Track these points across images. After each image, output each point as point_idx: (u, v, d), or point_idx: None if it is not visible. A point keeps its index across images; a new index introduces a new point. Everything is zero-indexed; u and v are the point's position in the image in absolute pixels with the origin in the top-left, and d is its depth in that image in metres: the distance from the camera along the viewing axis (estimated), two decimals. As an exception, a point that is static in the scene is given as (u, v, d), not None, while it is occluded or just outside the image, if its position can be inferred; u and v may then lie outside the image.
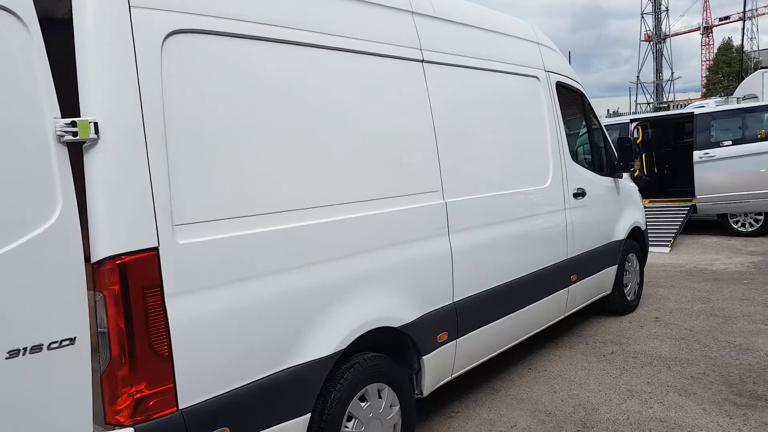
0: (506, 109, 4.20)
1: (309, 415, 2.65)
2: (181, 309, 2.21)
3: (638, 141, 11.38)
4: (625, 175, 5.96)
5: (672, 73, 71.67)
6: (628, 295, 5.89)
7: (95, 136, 2.04)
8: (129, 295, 2.10)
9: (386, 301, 3.06)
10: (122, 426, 2.10)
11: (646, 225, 6.39)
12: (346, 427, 2.85)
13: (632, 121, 11.10)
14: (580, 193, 4.92)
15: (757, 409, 3.74)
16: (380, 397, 3.03)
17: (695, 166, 10.00)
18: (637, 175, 11.04)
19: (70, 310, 1.99)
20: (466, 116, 3.79)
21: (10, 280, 1.87)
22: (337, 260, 2.79)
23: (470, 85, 3.87)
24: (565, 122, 4.98)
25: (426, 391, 3.40)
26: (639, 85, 71.82)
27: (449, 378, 3.64)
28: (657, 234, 9.71)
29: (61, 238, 1.98)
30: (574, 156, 5.06)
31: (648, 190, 11.42)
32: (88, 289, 2.09)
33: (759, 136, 9.65)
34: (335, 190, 2.84)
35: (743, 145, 9.66)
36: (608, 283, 5.54)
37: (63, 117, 2.00)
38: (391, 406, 3.10)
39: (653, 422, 3.66)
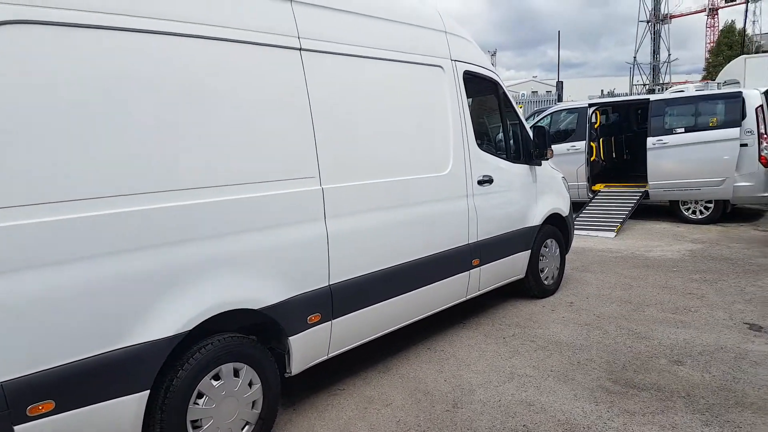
0: (400, 97, 4.28)
1: (147, 392, 2.79)
2: None
3: (596, 126, 11.46)
4: (547, 162, 6.06)
5: (669, 54, 71.13)
6: (545, 280, 6.04)
7: None
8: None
9: (243, 284, 3.18)
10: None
11: (571, 212, 6.50)
12: (197, 404, 3.00)
13: (590, 105, 11.16)
14: (486, 180, 5.03)
15: (627, 396, 3.90)
16: (236, 376, 3.18)
17: (648, 152, 10.10)
18: (594, 160, 11.16)
19: None
20: (351, 105, 3.87)
21: None
22: (172, 245, 2.86)
23: (359, 74, 3.95)
24: (475, 111, 5.07)
25: (295, 370, 3.55)
26: (636, 65, 71.32)
27: (325, 357, 3.79)
28: (605, 219, 9.87)
29: None
30: (483, 144, 5.15)
31: (604, 174, 11.59)
32: None
33: (711, 125, 9.73)
34: (167, 175, 2.87)
35: (695, 132, 9.73)
36: (520, 268, 5.69)
37: None
38: (250, 385, 3.25)
39: (521, 405, 3.82)
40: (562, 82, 32.62)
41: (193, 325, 2.93)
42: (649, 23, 71.34)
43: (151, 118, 2.85)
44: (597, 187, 11.13)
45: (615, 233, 9.38)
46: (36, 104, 2.46)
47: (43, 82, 2.49)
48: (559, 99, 30.41)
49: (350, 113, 3.87)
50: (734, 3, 73.87)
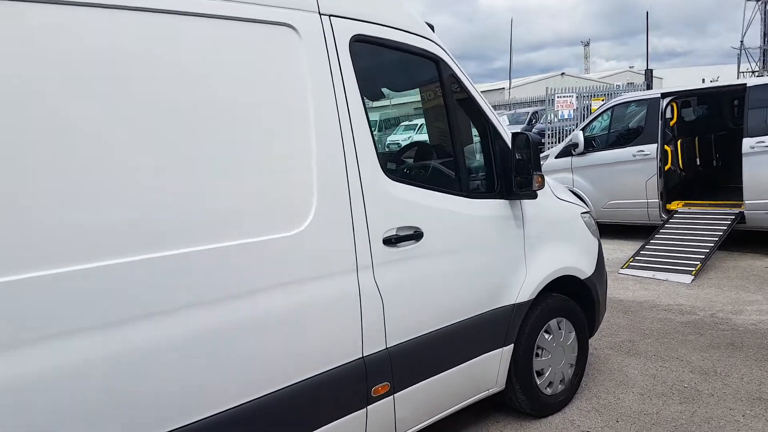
0: (182, 88, 2.08)
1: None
2: None
3: (672, 123, 8.62)
4: (551, 189, 3.66)
5: (785, 35, 63.36)
6: (546, 388, 3.62)
7: None
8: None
9: None
10: None
11: (601, 269, 4.03)
12: None
13: (664, 95, 8.30)
14: (407, 236, 2.74)
15: None
16: None
17: (744, 159, 7.31)
18: (669, 169, 8.35)
19: None
20: (36, 99, 1.76)
21: None
22: None
23: (72, 40, 1.83)
24: (387, 110, 2.79)
25: None
26: (743, 50, 64.39)
27: None
28: (681, 253, 7.14)
29: None
30: (403, 169, 2.87)
31: (685, 189, 8.74)
32: None
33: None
34: None
35: (816, 130, 6.84)
36: (493, 377, 3.31)
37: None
38: None
39: None
40: (651, 69, 28.26)
41: None
42: (759, 2, 64.15)
43: None
44: (673, 205, 8.29)
45: (692, 276, 6.65)
46: None
47: None
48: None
49: (29, 117, 1.74)
50: None
